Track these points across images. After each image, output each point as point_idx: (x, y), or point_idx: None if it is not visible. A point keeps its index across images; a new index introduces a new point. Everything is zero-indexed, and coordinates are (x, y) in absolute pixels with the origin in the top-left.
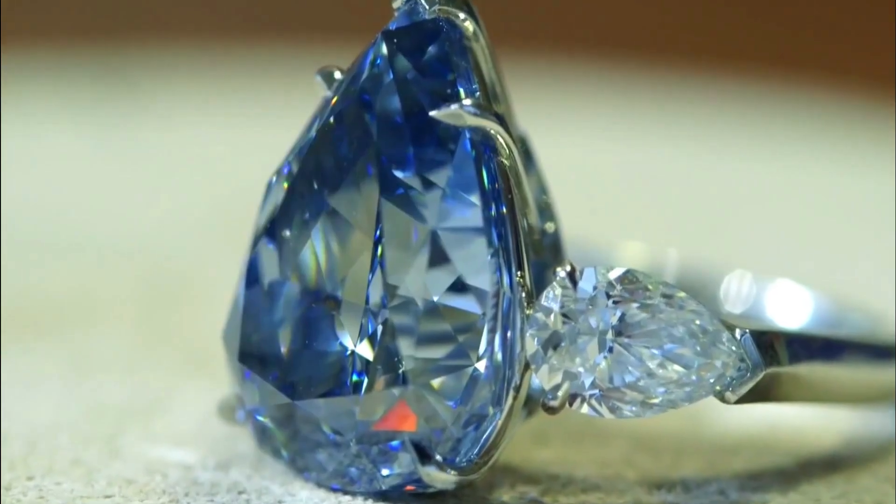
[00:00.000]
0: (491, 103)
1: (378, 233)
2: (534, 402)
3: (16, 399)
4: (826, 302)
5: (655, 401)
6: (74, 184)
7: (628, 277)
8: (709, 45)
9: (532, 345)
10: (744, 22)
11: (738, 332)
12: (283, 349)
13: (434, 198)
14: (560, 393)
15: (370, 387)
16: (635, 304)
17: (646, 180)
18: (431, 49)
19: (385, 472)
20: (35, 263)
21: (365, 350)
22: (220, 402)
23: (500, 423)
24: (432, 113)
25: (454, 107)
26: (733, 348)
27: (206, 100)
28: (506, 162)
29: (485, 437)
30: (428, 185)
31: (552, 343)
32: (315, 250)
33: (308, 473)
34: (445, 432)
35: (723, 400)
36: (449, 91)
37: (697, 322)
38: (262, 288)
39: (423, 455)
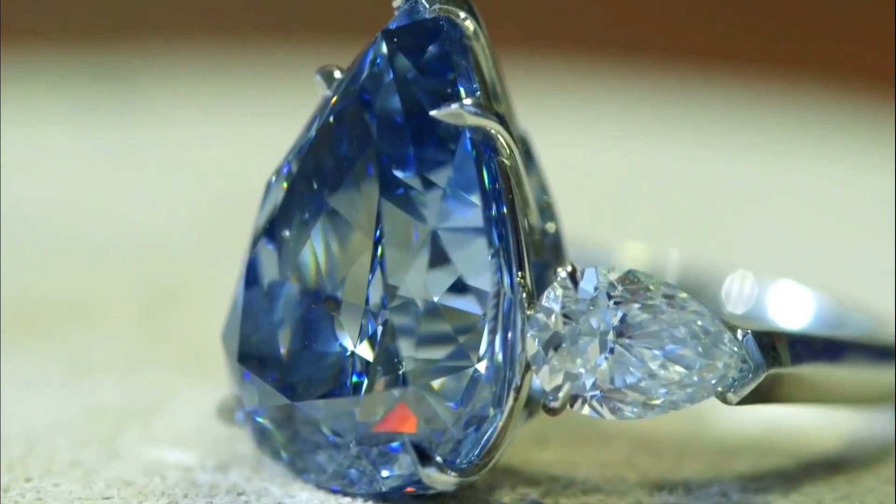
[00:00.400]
0: (491, 103)
1: (378, 233)
2: (534, 404)
3: (14, 400)
4: (828, 302)
5: (657, 402)
6: (73, 184)
7: (629, 278)
8: (710, 45)
9: (533, 346)
10: (747, 21)
11: (739, 333)
12: (283, 350)
13: (434, 198)
14: (561, 394)
15: (370, 388)
16: (636, 305)
17: (647, 180)
18: (432, 48)
19: (385, 473)
20: (33, 264)
21: (365, 351)
22: (219, 403)
23: (500, 424)
24: (433, 112)
25: (454, 106)
26: (735, 349)
27: (206, 99)
28: (506, 162)
29: (485, 438)
30: (428, 184)
31: (553, 344)
32: (315, 250)
33: (307, 475)
34: (446, 434)
35: (724, 401)
36: (449, 90)
37: (699, 323)
38: (261, 288)
39: (424, 456)
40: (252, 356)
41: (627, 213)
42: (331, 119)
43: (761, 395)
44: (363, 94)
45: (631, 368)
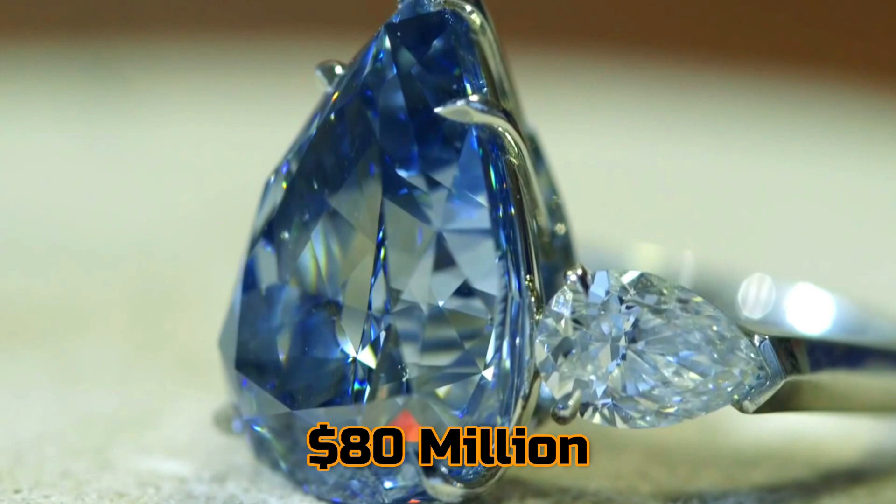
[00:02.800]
0: (499, 99)
1: (381, 235)
2: (543, 412)
3: (2, 409)
4: (849, 307)
5: (670, 410)
6: (64, 184)
7: (642, 281)
8: (730, 43)
9: (542, 352)
10: (768, 19)
11: (756, 339)
12: (282, 356)
13: (439, 198)
14: (571, 402)
15: (372, 395)
16: (649, 310)
17: (660, 180)
18: (436, 43)
19: (388, 484)
20: (22, 266)
21: (367, 357)
22: (215, 411)
23: None
24: (438, 109)
25: (460, 103)
26: (752, 355)
27: (201, 96)
28: (514, 161)
29: None
30: (433, 184)
31: (563, 350)
32: (315, 253)
33: (308, 486)
34: None
35: (741, 409)
36: (455, 86)
37: (714, 328)
38: (259, 292)
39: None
40: (250, 363)
41: (640, 214)
42: (332, 116)
43: (779, 404)
44: (365, 90)
45: (644, 375)
